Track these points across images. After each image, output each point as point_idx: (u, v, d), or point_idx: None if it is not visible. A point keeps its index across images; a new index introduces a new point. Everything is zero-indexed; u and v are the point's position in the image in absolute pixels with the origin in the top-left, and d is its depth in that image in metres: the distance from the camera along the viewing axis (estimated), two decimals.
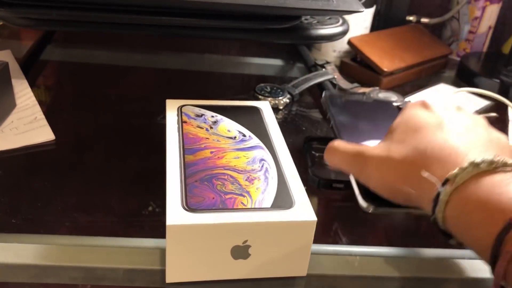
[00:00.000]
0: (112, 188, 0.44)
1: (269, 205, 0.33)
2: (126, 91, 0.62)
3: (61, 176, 0.45)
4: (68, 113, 0.56)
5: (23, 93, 0.53)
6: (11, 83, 0.50)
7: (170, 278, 0.33)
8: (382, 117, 0.49)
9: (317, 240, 0.34)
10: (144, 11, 0.49)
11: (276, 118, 0.46)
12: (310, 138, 0.51)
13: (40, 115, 0.50)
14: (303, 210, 0.33)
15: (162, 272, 0.34)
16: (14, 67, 0.57)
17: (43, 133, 0.48)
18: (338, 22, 0.58)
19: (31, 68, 0.62)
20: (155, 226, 0.40)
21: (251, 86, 0.60)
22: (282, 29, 0.52)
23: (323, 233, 0.40)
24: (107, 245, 0.37)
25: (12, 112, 0.50)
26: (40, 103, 0.53)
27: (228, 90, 0.66)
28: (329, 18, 0.58)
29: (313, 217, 0.33)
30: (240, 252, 0.33)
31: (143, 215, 0.41)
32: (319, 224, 0.33)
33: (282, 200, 0.34)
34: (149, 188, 0.44)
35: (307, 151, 0.49)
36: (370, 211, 0.38)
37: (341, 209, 0.45)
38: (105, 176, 0.46)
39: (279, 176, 0.37)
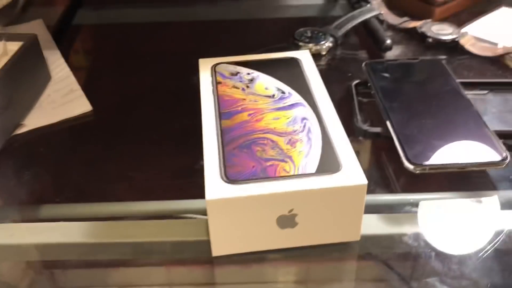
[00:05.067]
0: (159, 148, 0.43)
1: (313, 170, 0.31)
2: (161, 49, 0.60)
3: (99, 146, 0.44)
4: (104, 78, 0.54)
5: (57, 64, 0.52)
6: (43, 56, 0.48)
7: (216, 251, 0.32)
8: (430, 76, 0.46)
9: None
10: None
11: (320, 65, 0.42)
12: (357, 83, 0.47)
13: (75, 86, 0.49)
14: (352, 173, 0.31)
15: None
16: (46, 38, 0.55)
17: (80, 105, 0.46)
18: None
19: (64, 35, 0.60)
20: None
21: (292, 31, 0.56)
22: None
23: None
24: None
25: (48, 85, 0.49)
26: (76, 70, 0.52)
27: (268, 38, 0.62)
28: None
29: (363, 181, 0.30)
30: (287, 221, 0.31)
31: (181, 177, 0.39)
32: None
33: (328, 163, 0.31)
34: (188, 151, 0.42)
35: (353, 98, 0.45)
36: (417, 172, 0.36)
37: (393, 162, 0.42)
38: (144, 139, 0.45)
39: (323, 136, 0.34)
